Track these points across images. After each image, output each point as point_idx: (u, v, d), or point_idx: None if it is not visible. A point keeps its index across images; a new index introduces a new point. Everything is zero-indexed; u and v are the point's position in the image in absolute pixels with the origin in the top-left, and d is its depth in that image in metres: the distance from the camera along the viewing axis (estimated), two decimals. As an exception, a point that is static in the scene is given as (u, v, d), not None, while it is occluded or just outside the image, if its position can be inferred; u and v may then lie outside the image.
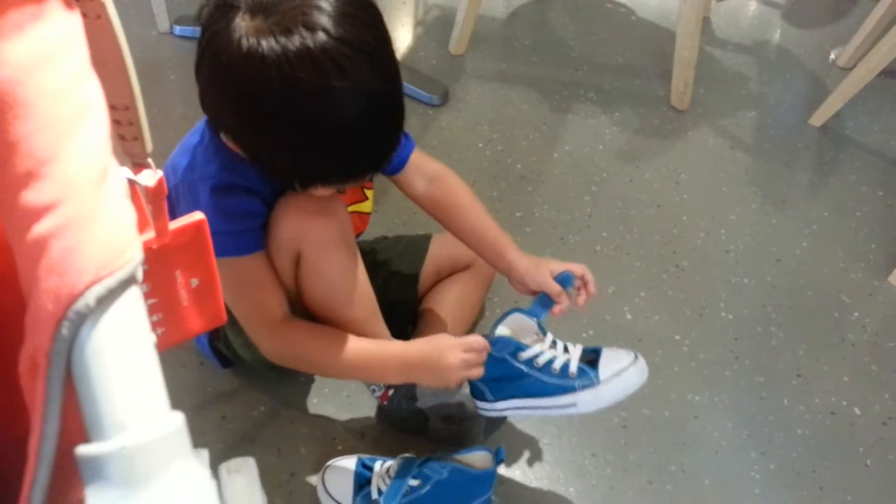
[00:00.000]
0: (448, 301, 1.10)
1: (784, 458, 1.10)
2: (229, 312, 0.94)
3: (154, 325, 0.63)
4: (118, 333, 0.29)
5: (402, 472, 0.93)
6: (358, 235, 1.02)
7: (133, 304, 0.30)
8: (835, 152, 1.69)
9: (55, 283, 0.27)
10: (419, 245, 1.14)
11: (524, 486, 1.03)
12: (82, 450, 0.25)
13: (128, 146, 0.52)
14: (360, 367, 0.92)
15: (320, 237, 0.88)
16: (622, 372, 0.92)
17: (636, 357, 0.94)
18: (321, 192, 0.85)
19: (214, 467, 0.81)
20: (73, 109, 0.31)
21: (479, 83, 1.76)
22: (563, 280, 0.97)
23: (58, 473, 0.27)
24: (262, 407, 1.07)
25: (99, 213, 0.30)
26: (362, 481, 0.95)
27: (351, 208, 1.04)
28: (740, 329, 1.28)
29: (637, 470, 1.06)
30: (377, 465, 0.96)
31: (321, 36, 0.71)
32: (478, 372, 0.91)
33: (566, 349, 0.95)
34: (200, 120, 0.88)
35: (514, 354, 0.92)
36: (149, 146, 0.54)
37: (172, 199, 0.85)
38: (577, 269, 0.99)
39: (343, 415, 1.07)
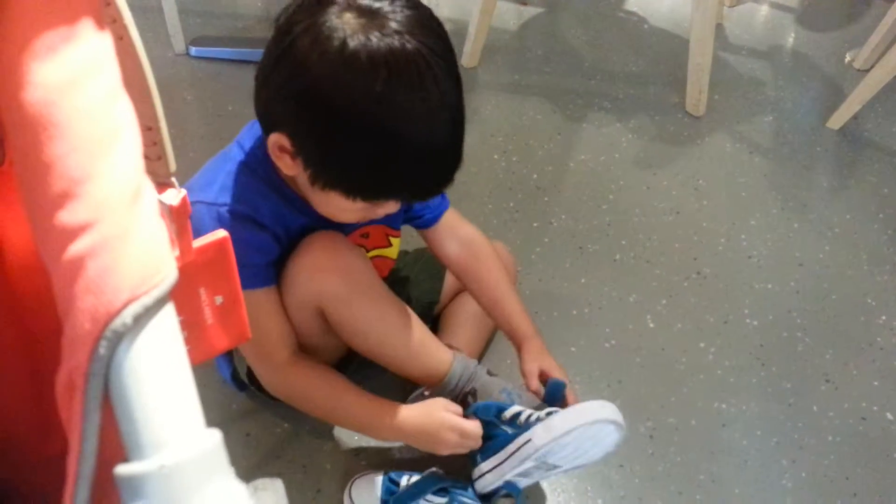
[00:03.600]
0: (466, 314, 1.10)
1: (815, 466, 1.08)
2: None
3: (180, 344, 0.64)
4: (155, 351, 0.29)
5: (426, 483, 0.92)
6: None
7: (169, 321, 0.30)
8: (854, 155, 1.68)
9: (92, 302, 0.27)
10: (437, 264, 1.13)
11: (551, 499, 1.01)
12: (121, 469, 0.25)
13: (151, 166, 0.53)
14: (357, 424, 0.94)
15: (336, 293, 0.87)
16: (581, 404, 0.88)
17: (604, 400, 0.89)
18: (351, 209, 0.82)
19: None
20: (107, 129, 0.31)
21: (492, 95, 1.77)
22: (555, 388, 0.94)
23: (97, 492, 0.27)
24: (285, 424, 1.07)
25: (133, 232, 0.30)
26: (388, 496, 0.94)
27: (373, 253, 1.03)
28: (766, 335, 1.27)
29: (666, 480, 1.04)
30: (403, 480, 0.95)
31: (418, 44, 0.72)
32: (466, 451, 0.91)
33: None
34: (229, 146, 0.88)
35: (499, 416, 0.90)
36: (172, 166, 0.54)
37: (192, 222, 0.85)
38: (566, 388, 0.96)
39: (367, 430, 1.07)
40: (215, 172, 0.86)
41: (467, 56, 1.82)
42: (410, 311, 0.94)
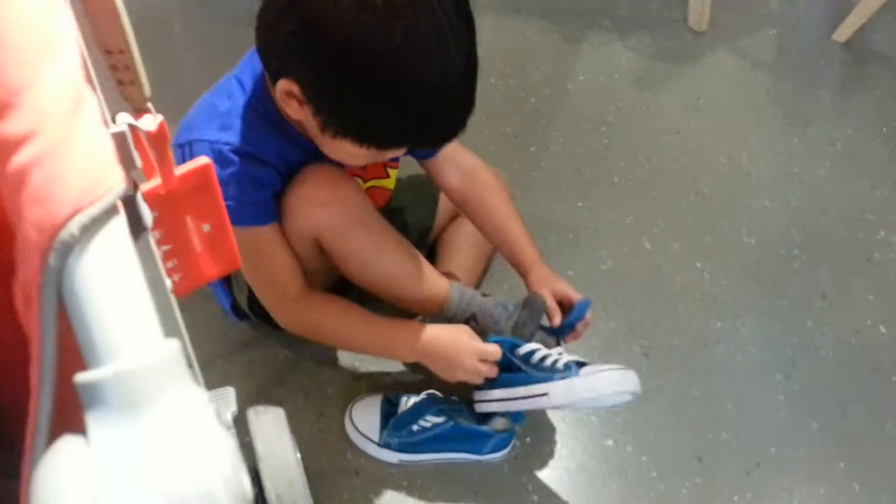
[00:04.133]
0: (463, 238, 1.10)
1: (808, 380, 1.10)
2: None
3: (170, 272, 0.64)
4: (106, 262, 0.29)
5: (425, 405, 0.95)
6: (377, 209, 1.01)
7: (120, 232, 0.31)
8: (860, 68, 1.64)
9: (39, 213, 0.28)
10: (430, 189, 1.13)
11: (542, 415, 1.04)
12: (80, 377, 0.26)
13: (125, 91, 0.52)
14: (378, 343, 0.94)
15: (333, 225, 0.88)
16: (603, 371, 0.88)
17: (626, 368, 0.89)
18: (361, 155, 0.82)
19: (243, 410, 0.84)
20: (44, 39, 0.30)
21: (490, 16, 1.72)
22: (582, 308, 0.95)
23: (60, 402, 0.28)
24: (286, 351, 1.09)
25: (77, 142, 0.30)
26: (387, 417, 0.97)
27: (370, 183, 1.03)
28: (763, 253, 1.27)
29: (659, 395, 1.07)
30: (402, 402, 0.98)
31: None
32: (480, 380, 0.91)
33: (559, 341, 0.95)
34: (226, 80, 0.87)
35: (512, 351, 0.91)
36: (146, 90, 0.53)
37: (186, 156, 0.86)
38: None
39: (367, 357, 1.09)
40: (215, 109, 0.85)
41: (462, -24, 1.77)
42: (406, 241, 0.94)
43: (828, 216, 1.34)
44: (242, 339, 1.11)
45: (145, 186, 0.57)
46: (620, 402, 0.88)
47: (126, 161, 0.51)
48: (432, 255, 1.14)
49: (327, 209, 0.87)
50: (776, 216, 1.33)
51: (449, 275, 1.03)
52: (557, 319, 0.94)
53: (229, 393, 0.82)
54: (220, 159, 0.82)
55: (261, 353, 1.09)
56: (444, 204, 1.13)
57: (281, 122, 0.85)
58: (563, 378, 0.88)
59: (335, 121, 0.78)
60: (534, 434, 1.02)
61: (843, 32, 1.66)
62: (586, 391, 0.86)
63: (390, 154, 0.86)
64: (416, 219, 1.12)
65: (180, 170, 0.59)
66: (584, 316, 0.95)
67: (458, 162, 1.03)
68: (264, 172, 0.85)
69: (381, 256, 0.92)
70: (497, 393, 0.93)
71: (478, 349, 0.90)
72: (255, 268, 0.91)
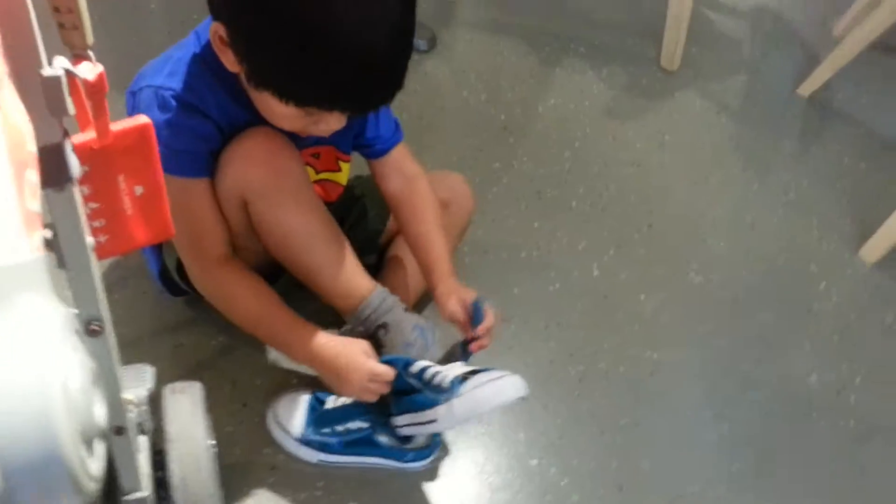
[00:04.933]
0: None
1: (737, 421, 1.11)
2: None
3: (96, 231, 0.62)
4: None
5: (353, 408, 0.93)
6: (327, 203, 0.99)
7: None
8: (821, 122, 1.68)
9: None
10: None
11: (472, 428, 1.03)
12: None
13: (67, 35, 0.50)
14: (277, 337, 0.92)
15: (263, 188, 0.86)
16: (481, 387, 0.84)
17: (508, 375, 0.86)
18: (287, 115, 0.82)
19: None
20: None
21: (468, 31, 1.73)
22: (476, 310, 0.94)
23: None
24: (220, 337, 1.07)
25: None
26: (313, 413, 0.95)
27: (322, 176, 1.02)
28: (708, 292, 1.28)
29: (589, 420, 1.07)
30: (330, 401, 0.96)
31: None
32: (369, 399, 0.89)
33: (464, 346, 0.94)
34: (189, 35, 0.87)
35: (406, 369, 0.88)
36: (89, 38, 0.52)
37: (135, 104, 0.84)
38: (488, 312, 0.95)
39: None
40: (167, 59, 0.85)
41: (447, -12, 1.78)
42: (338, 228, 0.93)
43: (774, 263, 1.37)
44: (176, 320, 1.08)
45: (77, 138, 0.55)
46: (509, 403, 0.87)
47: (57, 107, 0.50)
48: (381, 260, 1.13)
49: (260, 169, 0.85)
50: (725, 258, 1.35)
51: (390, 283, 1.02)
52: (469, 330, 0.93)
53: (147, 370, 0.79)
54: (160, 104, 0.81)
55: (192, 337, 1.06)
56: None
57: (227, 77, 0.84)
58: (446, 400, 0.86)
59: (254, 69, 0.78)
60: (459, 446, 1.01)
61: (807, 87, 1.70)
62: (466, 412, 0.84)
63: (324, 125, 0.84)
64: (369, 220, 1.11)
65: (118, 125, 0.57)
66: (481, 317, 0.93)
67: (402, 168, 1.03)
68: (202, 124, 0.84)
69: (306, 235, 0.89)
70: (403, 418, 0.90)
71: (369, 369, 0.87)
72: (180, 223, 0.86)
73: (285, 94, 0.78)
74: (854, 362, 1.22)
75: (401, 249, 1.08)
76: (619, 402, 1.10)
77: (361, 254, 1.05)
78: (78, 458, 0.23)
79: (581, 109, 1.59)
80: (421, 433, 0.91)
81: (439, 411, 0.85)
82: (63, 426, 0.22)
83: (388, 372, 0.87)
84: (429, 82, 1.58)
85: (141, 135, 0.59)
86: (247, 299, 0.90)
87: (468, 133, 1.48)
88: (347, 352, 0.88)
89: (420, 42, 1.61)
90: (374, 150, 1.02)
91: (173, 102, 0.82)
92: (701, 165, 1.52)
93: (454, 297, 0.94)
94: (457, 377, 0.86)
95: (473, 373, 0.87)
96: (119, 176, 0.60)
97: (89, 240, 0.57)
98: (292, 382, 1.03)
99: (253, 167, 0.85)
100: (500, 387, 0.85)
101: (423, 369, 0.87)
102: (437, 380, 0.86)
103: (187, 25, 0.89)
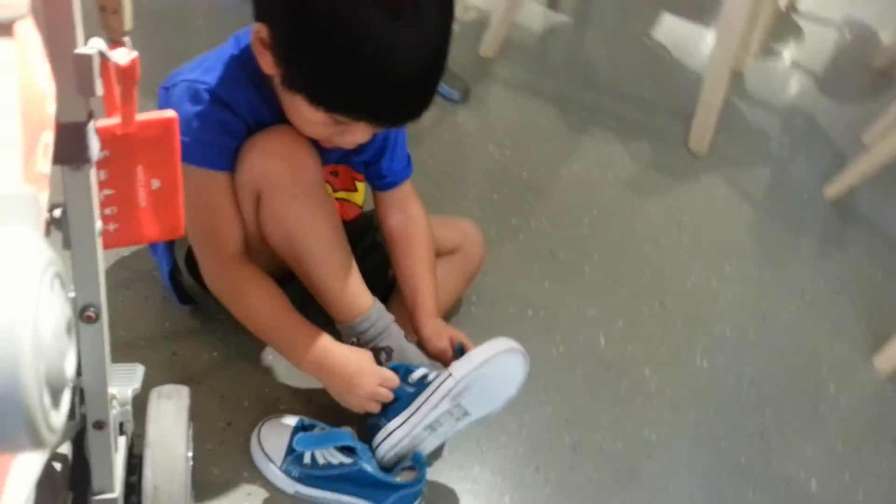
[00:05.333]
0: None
1: (730, 514, 1.07)
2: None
3: (107, 219, 0.61)
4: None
5: (336, 436, 0.90)
6: (343, 223, 0.98)
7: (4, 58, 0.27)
8: (843, 226, 1.67)
9: None
10: None
11: (459, 484, 0.99)
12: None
13: (106, 18, 0.50)
14: (284, 339, 0.91)
15: (278, 181, 0.86)
16: (486, 342, 0.90)
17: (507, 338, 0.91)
18: (315, 121, 0.82)
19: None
20: None
21: (501, 88, 1.75)
22: (461, 349, 0.95)
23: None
24: (215, 353, 1.04)
25: None
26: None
27: (340, 195, 1.03)
28: (712, 377, 1.25)
29: (578, 493, 1.02)
30: (317, 428, 0.93)
31: None
32: (374, 408, 0.89)
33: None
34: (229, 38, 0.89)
35: (406, 377, 0.90)
36: (128, 24, 0.51)
37: (167, 98, 0.86)
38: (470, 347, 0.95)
39: (293, 378, 1.04)
40: (204, 58, 0.87)
41: (485, 46, 1.81)
42: (344, 236, 0.92)
43: (783, 359, 1.33)
44: (174, 329, 1.06)
45: (102, 122, 0.54)
46: (514, 380, 0.91)
47: (86, 86, 0.49)
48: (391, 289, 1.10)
49: (277, 161, 0.85)
50: (733, 346, 1.32)
51: (395, 311, 1.01)
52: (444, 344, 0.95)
53: (137, 370, 0.77)
54: (193, 96, 0.83)
55: (188, 348, 1.04)
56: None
57: (260, 80, 0.85)
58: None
59: (289, 72, 0.79)
60: (444, 500, 0.97)
61: (832, 189, 1.70)
62: (482, 352, 0.88)
63: (350, 136, 0.85)
64: (382, 249, 1.10)
65: (143, 116, 0.57)
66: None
67: (405, 206, 1.04)
68: (232, 120, 0.85)
69: (312, 234, 0.88)
70: (396, 421, 0.89)
71: (379, 372, 0.88)
72: (198, 215, 0.87)
73: (317, 99, 0.80)
74: (857, 474, 1.18)
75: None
76: (610, 479, 1.06)
77: (371, 280, 1.03)
78: (39, 401, 0.21)
79: (604, 179, 1.59)
80: (419, 423, 0.88)
81: (455, 364, 0.87)
82: (26, 362, 0.20)
83: (395, 379, 0.88)
84: (457, 132, 1.59)
85: (165, 129, 0.58)
86: (258, 300, 0.89)
87: (489, 186, 1.48)
88: (357, 358, 0.88)
89: (454, 92, 1.63)
90: (384, 183, 1.03)
91: (206, 96, 0.83)
92: (717, 251, 1.51)
93: (445, 335, 0.95)
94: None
95: None
96: (138, 166, 0.59)
97: (98, 224, 0.56)
98: (280, 408, 1.00)
99: (271, 158, 0.85)
100: (505, 339, 0.90)
101: (424, 376, 0.89)
102: (431, 377, 0.88)
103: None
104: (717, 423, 1.18)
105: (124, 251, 1.13)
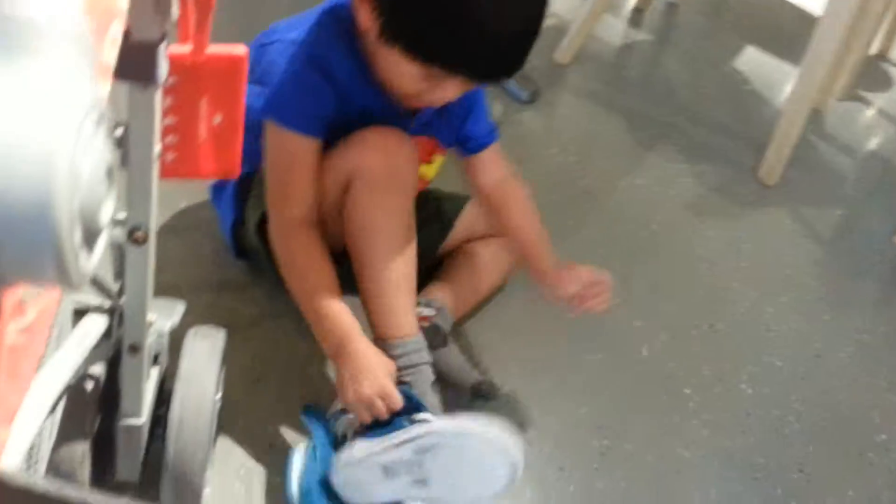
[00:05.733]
0: (466, 267, 1.08)
1: (758, 546, 1.02)
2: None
3: (166, 148, 0.63)
4: None
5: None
6: None
7: None
8: (912, 274, 1.60)
9: None
10: (461, 198, 1.13)
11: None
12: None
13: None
14: (315, 315, 0.89)
15: (373, 176, 0.87)
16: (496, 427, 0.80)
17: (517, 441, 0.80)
18: (408, 75, 0.83)
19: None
20: None
21: (572, 95, 1.74)
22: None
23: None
24: (255, 309, 1.06)
25: None
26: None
27: None
28: (756, 406, 1.21)
29: (601, 498, 1.00)
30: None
31: None
32: (363, 417, 0.82)
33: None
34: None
35: (411, 412, 0.82)
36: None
37: (262, 55, 0.88)
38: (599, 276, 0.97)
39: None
40: (302, 18, 0.89)
41: (561, 52, 1.80)
42: (415, 253, 0.91)
43: (833, 399, 1.28)
44: (219, 281, 1.09)
45: (173, 48, 0.56)
46: (488, 488, 0.80)
47: (163, 5, 0.51)
48: (430, 273, 1.11)
49: (376, 158, 0.87)
50: (782, 378, 1.27)
51: (436, 294, 1.01)
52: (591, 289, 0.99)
53: (177, 305, 0.79)
54: (290, 58, 0.86)
55: (230, 300, 1.07)
56: (460, 225, 1.11)
57: (354, 42, 0.87)
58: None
59: (387, 22, 0.80)
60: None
61: (905, 236, 1.62)
62: (474, 424, 0.78)
63: (441, 91, 0.85)
64: (433, 229, 1.10)
65: (214, 49, 0.58)
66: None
67: (496, 167, 1.06)
68: (325, 87, 0.87)
69: (386, 237, 0.89)
70: (363, 445, 0.81)
71: (383, 386, 0.82)
72: (275, 172, 0.91)
73: (413, 49, 0.80)
74: (900, 525, 1.12)
75: (458, 261, 1.07)
76: (637, 490, 1.03)
77: (420, 252, 1.02)
78: (69, 231, 0.22)
79: (666, 196, 1.56)
80: (375, 455, 0.80)
81: (439, 418, 0.80)
82: (60, 186, 0.21)
83: (398, 402, 0.82)
84: (521, 132, 1.59)
85: (234, 65, 0.60)
86: (309, 268, 0.90)
87: (548, 188, 1.47)
88: (375, 360, 0.85)
89: (522, 93, 1.63)
90: (471, 145, 1.04)
91: (303, 58, 0.86)
92: (775, 281, 1.46)
93: (573, 276, 0.99)
94: None
95: None
96: (202, 98, 0.61)
97: (157, 147, 0.57)
98: (309, 371, 1.01)
99: (373, 153, 0.87)
100: (514, 441, 0.79)
101: (426, 421, 0.82)
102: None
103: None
104: (756, 451, 1.14)
105: (181, 200, 1.16)
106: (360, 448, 0.81)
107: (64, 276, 0.22)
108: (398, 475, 0.79)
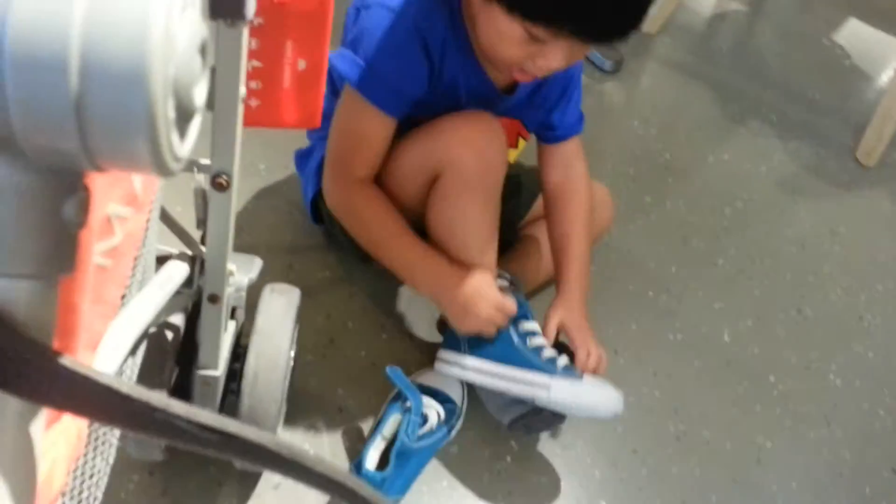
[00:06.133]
0: (537, 243, 1.04)
1: (843, 544, 0.97)
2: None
3: (251, 94, 0.61)
4: None
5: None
6: None
7: None
8: None
9: None
10: (532, 187, 1.08)
11: (548, 446, 0.95)
12: None
13: None
14: (399, 264, 0.88)
15: (468, 173, 0.84)
16: (605, 387, 0.85)
17: (618, 392, 0.85)
18: (510, 38, 0.77)
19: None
20: None
21: (657, 65, 1.67)
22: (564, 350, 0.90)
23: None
24: (329, 272, 1.05)
25: None
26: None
27: None
28: (844, 398, 1.14)
29: (675, 484, 0.96)
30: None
31: None
32: (489, 333, 0.85)
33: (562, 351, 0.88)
34: None
35: (517, 320, 0.86)
36: None
37: (359, 18, 0.84)
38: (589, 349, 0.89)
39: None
40: None
41: (649, 20, 1.72)
42: (496, 244, 0.89)
43: (931, 395, 1.19)
44: (296, 244, 1.08)
45: (261, -16, 0.54)
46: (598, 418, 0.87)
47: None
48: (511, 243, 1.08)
49: (468, 153, 0.83)
50: (874, 370, 1.20)
51: (517, 264, 0.98)
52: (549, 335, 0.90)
53: (255, 262, 0.78)
54: (390, 28, 0.81)
55: (306, 262, 1.06)
56: (539, 201, 1.08)
57: (456, 9, 0.83)
58: (565, 377, 0.83)
59: None
60: (533, 462, 0.93)
61: None
62: (591, 400, 0.83)
63: (543, 59, 0.77)
64: (515, 204, 1.07)
65: (301, -13, 0.56)
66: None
67: (570, 163, 0.99)
68: (420, 64, 0.82)
69: (471, 230, 0.86)
70: (488, 364, 0.86)
71: (496, 298, 0.84)
72: (342, 139, 0.88)
73: (516, 5, 0.73)
74: None
75: (537, 232, 1.04)
76: (713, 478, 0.98)
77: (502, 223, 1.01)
78: (163, 106, 0.20)
79: (756, 173, 1.48)
80: (493, 386, 0.86)
81: (559, 383, 0.83)
82: (156, 53, 0.19)
83: (512, 307, 0.85)
84: (603, 102, 1.53)
85: (321, 3, 0.58)
86: (377, 220, 0.88)
87: (627, 161, 1.41)
88: (476, 280, 0.85)
89: (606, 62, 1.57)
90: (553, 135, 0.98)
91: (403, 30, 0.81)
92: (872, 268, 1.37)
93: (558, 316, 0.90)
94: (570, 365, 0.85)
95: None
96: (288, 41, 0.59)
97: (242, 89, 0.56)
98: (382, 336, 0.99)
99: (469, 150, 0.83)
100: (619, 397, 0.84)
101: (534, 333, 0.86)
102: (545, 353, 0.84)
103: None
104: (844, 446, 1.07)
105: (260, 163, 1.16)
106: (471, 365, 0.87)
107: (157, 153, 0.20)
108: (507, 394, 0.86)
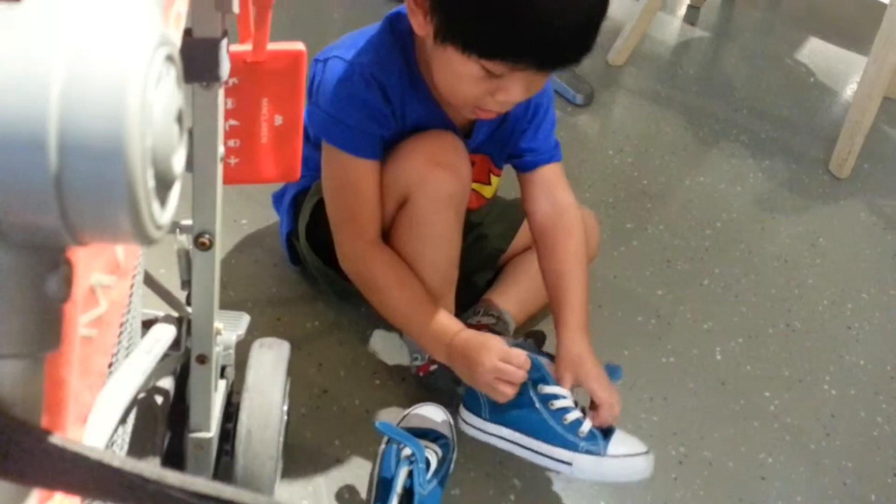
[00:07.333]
0: (525, 274, 1.05)
1: (853, 558, 0.96)
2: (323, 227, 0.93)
3: (229, 151, 0.62)
4: None
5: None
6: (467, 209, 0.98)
7: None
8: None
9: None
10: (515, 213, 1.09)
11: (553, 485, 0.94)
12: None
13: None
14: (415, 326, 0.89)
15: (435, 191, 0.85)
16: (632, 456, 0.83)
17: (648, 451, 0.85)
18: (468, 77, 0.78)
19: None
20: None
21: (627, 96, 1.70)
22: (611, 372, 0.88)
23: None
24: (317, 321, 1.05)
25: None
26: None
27: (473, 186, 1.00)
28: (841, 408, 1.14)
29: (681, 508, 0.95)
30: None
31: None
32: (505, 392, 0.82)
33: (584, 411, 0.86)
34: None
35: (536, 384, 0.84)
36: (269, -55, 0.52)
37: (320, 71, 0.86)
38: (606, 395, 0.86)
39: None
40: (359, 35, 0.87)
41: (615, 53, 1.76)
42: (457, 270, 0.91)
43: (926, 399, 1.20)
44: (281, 295, 1.08)
45: (234, 47, 0.56)
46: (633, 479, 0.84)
47: (224, 2, 0.50)
48: (494, 279, 1.08)
49: (438, 172, 0.84)
50: (867, 378, 1.20)
51: (493, 302, 0.99)
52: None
53: (242, 318, 0.78)
54: (346, 77, 0.83)
55: (292, 314, 1.06)
56: (523, 232, 1.08)
57: (410, 54, 0.85)
58: (589, 452, 0.82)
59: (443, 19, 0.76)
60: (537, 490, 0.92)
61: None
62: (615, 474, 0.82)
63: (502, 93, 0.78)
64: (494, 236, 1.08)
65: (273, 46, 0.58)
66: (618, 375, 0.88)
67: (553, 193, 0.97)
68: (382, 107, 0.84)
69: (439, 247, 0.87)
70: (509, 433, 0.85)
71: (501, 349, 0.82)
72: (340, 197, 0.89)
73: (471, 45, 0.75)
74: None
75: (518, 265, 1.04)
76: (717, 498, 0.97)
77: (478, 270, 1.02)
78: (142, 174, 0.20)
79: (732, 193, 1.50)
80: (517, 454, 0.85)
81: (582, 459, 0.82)
82: (133, 121, 0.19)
83: (520, 357, 0.82)
84: (577, 134, 1.55)
85: (294, 61, 0.59)
86: (392, 285, 0.88)
87: (605, 190, 1.43)
88: (483, 338, 0.85)
89: (577, 96, 1.60)
90: (524, 161, 0.97)
91: (359, 77, 0.82)
92: (855, 277, 1.39)
93: (570, 371, 0.86)
94: (596, 429, 0.83)
95: (607, 432, 0.84)
96: (264, 98, 0.60)
97: (221, 149, 0.57)
98: (375, 383, 0.99)
99: (432, 167, 0.84)
100: (649, 461, 0.84)
101: (556, 396, 0.84)
102: (569, 416, 0.82)
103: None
104: (844, 455, 1.07)
105: (242, 218, 1.17)
106: (491, 432, 0.86)
107: (138, 224, 0.20)
108: None
